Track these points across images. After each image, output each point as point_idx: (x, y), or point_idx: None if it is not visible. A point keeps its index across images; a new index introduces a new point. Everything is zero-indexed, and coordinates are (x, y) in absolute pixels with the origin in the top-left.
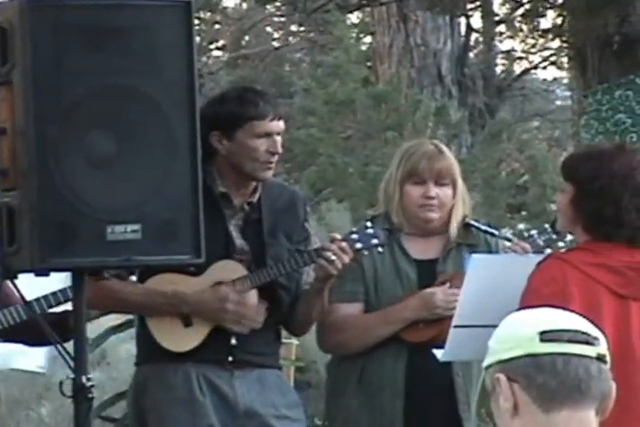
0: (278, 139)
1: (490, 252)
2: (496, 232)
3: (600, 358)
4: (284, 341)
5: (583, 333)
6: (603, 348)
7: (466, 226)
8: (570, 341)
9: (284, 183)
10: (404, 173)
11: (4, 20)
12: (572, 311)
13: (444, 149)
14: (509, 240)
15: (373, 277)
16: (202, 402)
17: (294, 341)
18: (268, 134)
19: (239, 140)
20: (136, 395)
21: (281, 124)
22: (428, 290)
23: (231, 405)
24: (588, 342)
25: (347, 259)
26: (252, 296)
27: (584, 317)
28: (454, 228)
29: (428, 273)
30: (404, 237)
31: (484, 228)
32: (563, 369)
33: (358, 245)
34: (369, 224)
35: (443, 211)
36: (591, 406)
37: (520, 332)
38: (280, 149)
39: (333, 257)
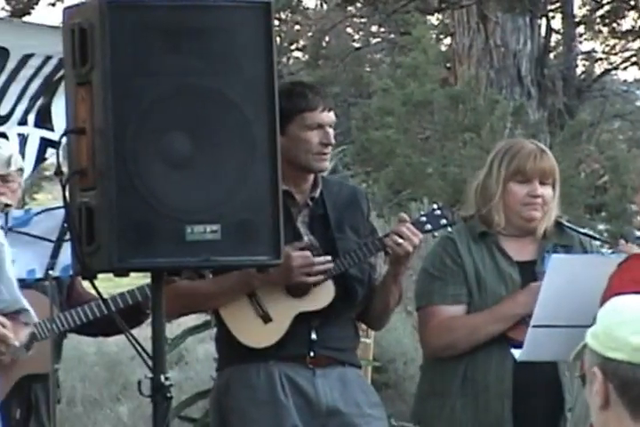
0: (330, 130)
1: (585, 253)
2: (595, 235)
3: None
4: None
5: None
6: None
7: (558, 226)
8: None
9: (343, 180)
10: (510, 172)
11: (83, 20)
12: None
13: (546, 148)
14: (608, 243)
15: (476, 279)
16: (284, 403)
17: (369, 340)
18: (320, 126)
19: (291, 134)
20: (218, 395)
21: (332, 115)
22: (535, 284)
23: (313, 404)
24: None
25: (416, 240)
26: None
27: None
28: (548, 227)
29: (529, 274)
30: (501, 239)
31: (582, 230)
32: None
33: (428, 227)
34: (436, 206)
35: (544, 210)
36: None
37: (629, 337)
38: (333, 140)
39: (400, 240)
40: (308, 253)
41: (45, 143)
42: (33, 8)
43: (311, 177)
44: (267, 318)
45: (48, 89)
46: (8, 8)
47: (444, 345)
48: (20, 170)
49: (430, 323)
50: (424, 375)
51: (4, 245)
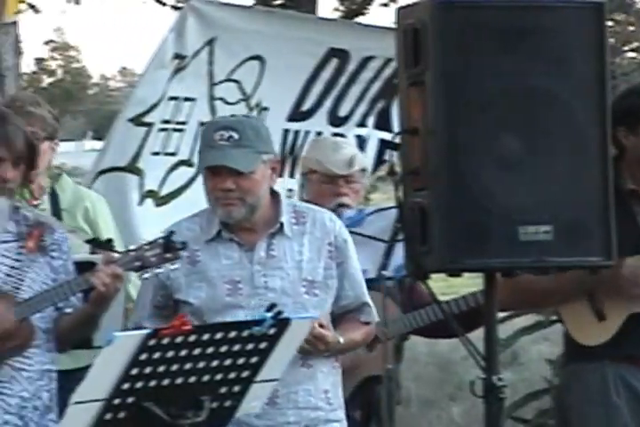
0: None
1: None
2: None
3: None
4: None
5: None
6: None
7: None
8: None
9: None
10: None
11: (416, 20)
12: None
13: None
14: None
15: None
16: (617, 404)
17: None
18: None
19: None
20: (559, 394)
21: None
22: None
23: None
24: None
25: None
26: None
27: None
28: None
29: None
30: None
31: None
32: None
33: None
34: None
35: None
36: None
37: None
38: None
39: None
40: None
41: (384, 145)
42: (366, 8)
43: None
44: (601, 316)
45: (388, 91)
46: (342, 8)
47: None
48: (363, 170)
49: None
50: None
51: (348, 242)
